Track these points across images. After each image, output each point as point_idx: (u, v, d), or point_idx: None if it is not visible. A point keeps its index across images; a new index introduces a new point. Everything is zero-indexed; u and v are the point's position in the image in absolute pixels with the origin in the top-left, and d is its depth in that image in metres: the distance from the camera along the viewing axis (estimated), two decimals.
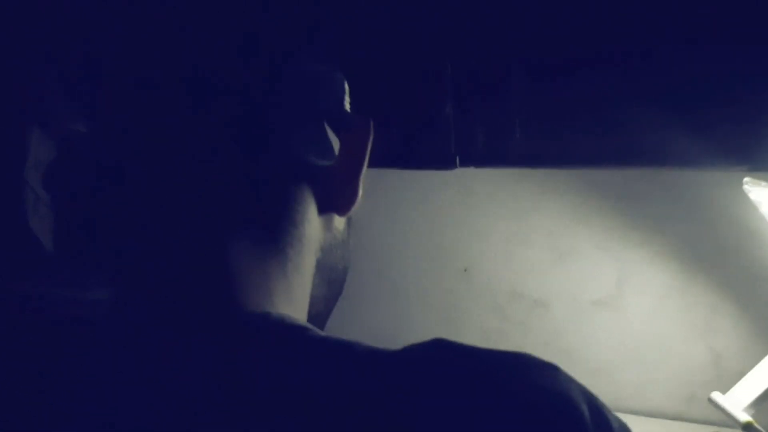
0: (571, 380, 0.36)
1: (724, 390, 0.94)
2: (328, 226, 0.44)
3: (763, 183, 0.71)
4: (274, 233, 0.41)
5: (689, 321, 0.96)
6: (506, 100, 0.74)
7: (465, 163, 0.80)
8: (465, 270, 1.08)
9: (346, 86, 0.47)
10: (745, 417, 0.73)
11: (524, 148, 0.76)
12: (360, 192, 0.45)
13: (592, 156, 0.75)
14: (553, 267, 1.02)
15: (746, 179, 0.73)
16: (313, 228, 0.43)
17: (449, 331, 1.08)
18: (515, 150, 0.76)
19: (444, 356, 0.37)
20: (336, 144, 0.44)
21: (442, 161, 0.80)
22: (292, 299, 0.42)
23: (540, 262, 1.03)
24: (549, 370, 0.36)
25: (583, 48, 0.66)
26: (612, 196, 0.96)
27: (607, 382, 1.03)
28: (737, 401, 0.74)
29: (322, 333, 0.38)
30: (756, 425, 0.72)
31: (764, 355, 0.91)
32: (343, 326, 1.18)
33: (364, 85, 0.71)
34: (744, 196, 0.74)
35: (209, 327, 0.36)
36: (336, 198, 0.44)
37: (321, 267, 0.44)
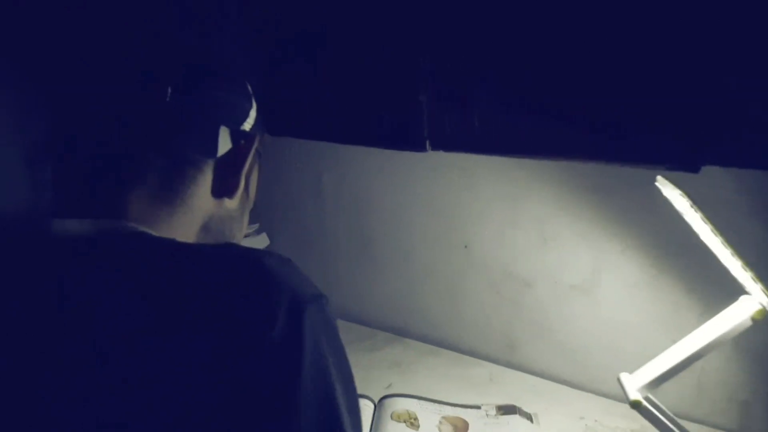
0: (303, 283, 0.50)
1: (685, 385, 0.97)
2: (219, 204, 0.62)
3: (670, 185, 0.75)
4: (167, 197, 0.59)
5: (654, 312, 0.99)
6: (469, 95, 0.85)
7: (435, 147, 0.92)
8: (465, 247, 1.18)
9: (252, 111, 0.63)
10: (635, 396, 0.77)
11: (482, 138, 0.86)
12: (241, 185, 0.62)
13: (551, 148, 0.84)
14: (539, 250, 1.09)
15: (658, 178, 0.77)
16: (203, 202, 0.61)
17: (452, 302, 1.21)
18: (474, 138, 0.87)
19: (229, 251, 0.52)
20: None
21: (416, 144, 0.92)
22: (172, 237, 0.59)
23: (528, 244, 1.10)
24: (290, 268, 0.50)
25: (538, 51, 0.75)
26: (592, 188, 1.01)
27: (582, 364, 1.09)
28: (635, 382, 0.79)
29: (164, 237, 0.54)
30: (644, 404, 0.77)
31: (722, 351, 0.93)
32: (359, 289, 1.36)
33: (352, 76, 0.88)
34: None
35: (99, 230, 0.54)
36: (221, 186, 0.61)
37: (206, 227, 0.62)
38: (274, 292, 0.48)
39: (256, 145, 0.63)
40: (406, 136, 0.92)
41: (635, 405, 0.77)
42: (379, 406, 1.03)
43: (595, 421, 1.00)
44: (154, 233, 0.56)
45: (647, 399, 0.78)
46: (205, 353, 0.46)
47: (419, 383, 1.10)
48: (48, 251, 0.51)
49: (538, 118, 0.81)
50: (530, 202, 1.08)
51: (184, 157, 0.59)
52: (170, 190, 0.58)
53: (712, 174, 0.72)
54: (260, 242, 1.39)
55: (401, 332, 1.27)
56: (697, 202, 0.76)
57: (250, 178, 0.66)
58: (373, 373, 1.15)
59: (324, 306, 0.51)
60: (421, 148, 0.93)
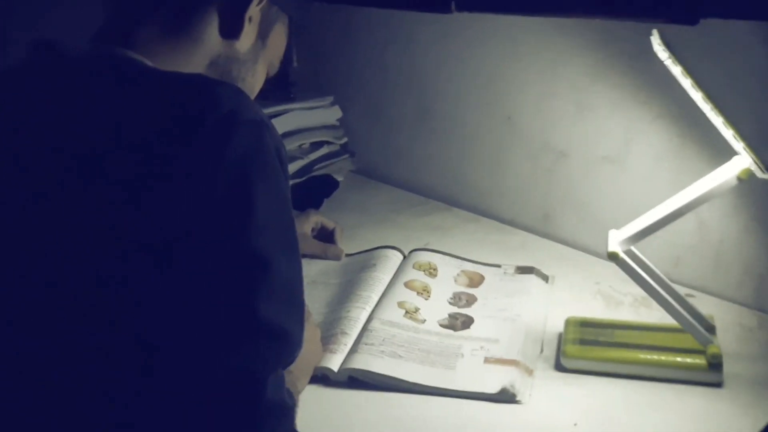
0: (252, 111, 0.59)
1: (703, 258, 0.98)
2: (228, 45, 0.71)
3: (660, 46, 0.74)
4: (177, 31, 0.68)
5: (678, 183, 0.98)
6: None
7: (460, 8, 0.95)
8: (509, 118, 1.21)
9: None
10: (613, 248, 0.80)
11: None
12: (245, 27, 0.70)
13: (556, 5, 0.85)
14: (575, 120, 1.10)
15: (653, 32, 0.76)
16: (211, 39, 0.69)
17: (494, 172, 1.26)
18: None
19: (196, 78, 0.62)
20: None
21: (443, 5, 0.96)
22: (176, 68, 0.70)
23: (564, 114, 1.11)
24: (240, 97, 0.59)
25: None
26: (623, 53, 1.00)
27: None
28: (619, 236, 0.82)
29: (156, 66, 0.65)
30: (621, 256, 0.80)
31: (739, 224, 0.92)
32: (416, 159, 1.45)
33: None
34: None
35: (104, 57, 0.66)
36: (225, 25, 0.70)
37: (214, 64, 0.71)
38: (209, 105, 0.57)
39: None
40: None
41: (612, 257, 0.80)
42: (407, 257, 1.12)
43: (609, 286, 1.04)
44: (150, 63, 0.66)
45: (629, 253, 0.81)
46: (138, 146, 0.56)
47: (455, 245, 1.18)
48: (49, 71, 0.63)
49: None
50: (568, 70, 1.08)
51: None
52: (179, 25, 0.67)
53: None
54: (333, 114, 1.49)
55: (449, 201, 1.34)
56: (699, 62, 0.75)
57: (268, 29, 0.74)
58: (416, 234, 1.24)
59: (262, 131, 0.58)
60: (446, 9, 0.96)
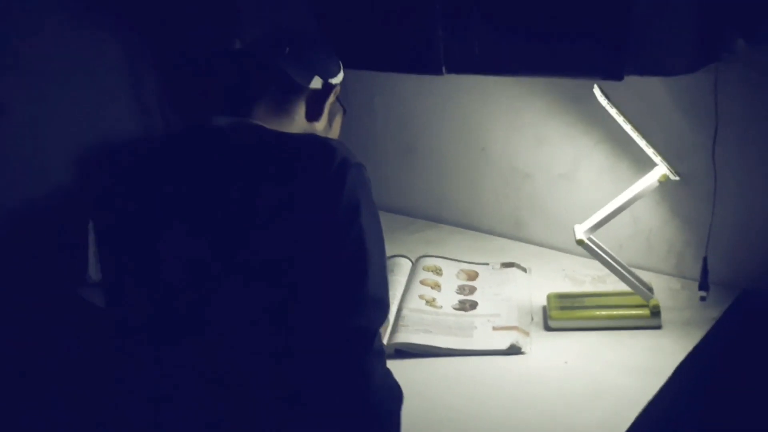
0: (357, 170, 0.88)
1: (639, 242, 1.32)
2: (310, 124, 1.00)
3: (601, 95, 1.08)
4: (278, 112, 0.97)
5: (616, 190, 1.33)
6: (470, 30, 1.19)
7: (449, 71, 1.27)
8: (482, 149, 1.54)
9: (340, 73, 1.03)
10: (580, 236, 1.14)
11: (481, 62, 1.21)
12: (324, 114, 1.01)
13: (521, 68, 1.19)
14: (535, 148, 1.44)
15: (595, 86, 1.10)
16: (300, 119, 0.99)
17: (473, 193, 1.58)
18: (475, 62, 1.22)
19: (310, 136, 0.92)
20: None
21: (435, 69, 1.28)
22: None
23: (527, 144, 1.45)
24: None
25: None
26: (572, 98, 1.34)
27: (568, 233, 1.44)
28: (582, 228, 1.15)
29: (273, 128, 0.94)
30: (587, 242, 1.13)
31: (662, 216, 1.27)
32: (402, 187, 1.74)
33: (384, 20, 1.24)
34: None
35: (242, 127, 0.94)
36: (310, 111, 0.99)
37: None
38: (330, 155, 0.86)
39: (335, 91, 1.01)
40: (427, 64, 1.28)
41: (580, 243, 1.13)
42: (415, 263, 1.43)
43: (573, 271, 1.37)
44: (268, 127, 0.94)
45: (591, 240, 1.14)
46: (283, 185, 0.85)
47: (447, 252, 1.49)
48: (205, 135, 0.91)
49: (513, 46, 1.15)
50: (528, 111, 1.42)
51: (290, 87, 0.96)
52: (280, 108, 0.96)
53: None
54: None
55: (435, 219, 1.65)
56: (631, 104, 1.10)
57: (333, 116, 1.04)
58: (413, 246, 1.54)
59: (363, 171, 0.88)
60: (439, 72, 1.28)
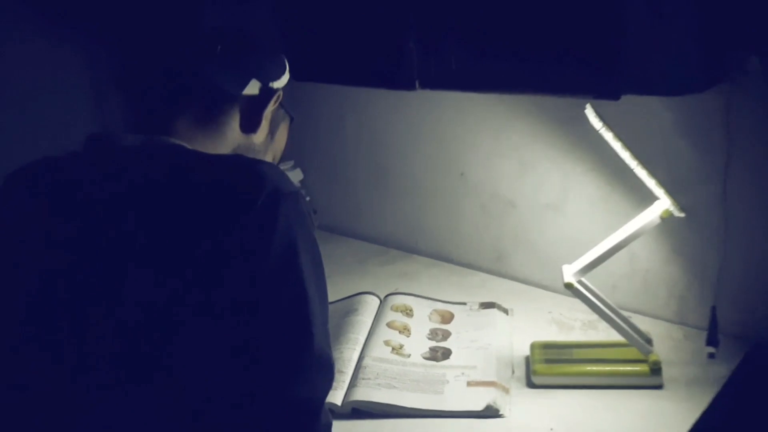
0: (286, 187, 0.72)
1: (635, 283, 1.17)
2: (246, 138, 0.84)
3: (594, 117, 0.93)
4: (206, 124, 0.81)
5: (609, 223, 1.17)
6: (445, 43, 1.05)
7: (423, 86, 1.13)
8: (461, 174, 1.38)
9: (284, 77, 0.86)
10: (568, 279, 0.98)
11: (458, 77, 1.07)
12: (263, 125, 0.85)
13: (505, 84, 1.04)
14: (520, 175, 1.29)
15: (587, 106, 0.95)
16: (233, 132, 0.83)
17: (451, 222, 1.42)
18: (452, 78, 1.07)
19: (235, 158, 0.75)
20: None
21: (408, 84, 1.13)
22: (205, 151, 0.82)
23: (510, 170, 1.30)
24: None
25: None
26: (559, 119, 1.20)
27: (554, 270, 1.29)
28: (571, 270, 0.99)
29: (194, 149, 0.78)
30: (576, 286, 0.97)
31: (662, 255, 1.12)
32: (375, 213, 1.59)
33: (353, 31, 1.09)
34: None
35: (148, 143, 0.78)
36: (246, 122, 0.84)
37: (234, 152, 0.84)
38: (257, 185, 0.70)
39: (276, 98, 0.85)
40: (399, 78, 1.13)
41: (568, 286, 0.98)
42: (383, 301, 1.26)
43: (560, 314, 1.21)
44: (189, 147, 0.79)
45: (581, 283, 0.99)
46: (198, 224, 0.69)
47: (422, 289, 1.33)
48: (113, 155, 0.75)
49: (495, 62, 1.01)
50: (510, 133, 1.27)
51: (220, 94, 0.81)
52: (208, 119, 0.81)
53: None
54: (295, 176, 1.62)
55: (410, 249, 1.50)
56: (628, 128, 0.95)
57: (276, 126, 0.89)
58: (384, 280, 1.38)
59: (298, 201, 0.72)
60: (411, 86, 1.14)
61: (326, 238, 1.60)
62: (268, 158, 0.91)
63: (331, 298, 1.29)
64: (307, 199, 1.62)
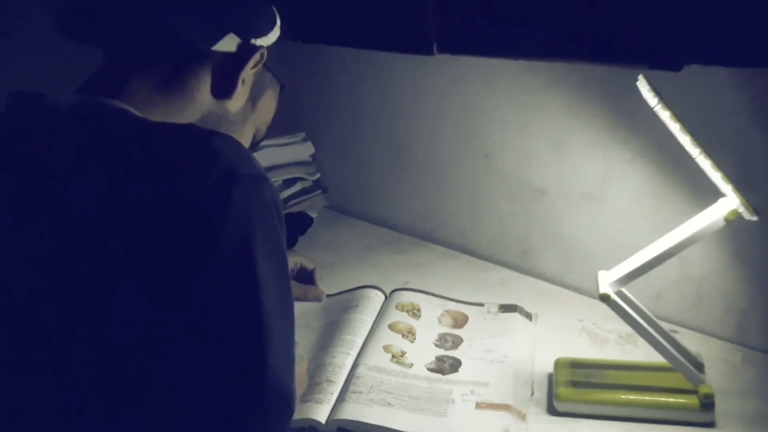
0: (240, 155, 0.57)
1: (685, 293, 0.99)
2: (219, 104, 0.70)
3: (646, 85, 0.75)
4: (170, 85, 0.67)
5: (658, 221, 0.99)
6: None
7: (441, 50, 0.95)
8: (486, 155, 1.21)
9: (272, 34, 0.70)
10: (604, 290, 0.80)
11: (483, 41, 0.90)
12: (238, 88, 0.69)
13: (541, 50, 0.86)
14: (553, 158, 1.11)
15: (640, 78, 0.77)
16: (203, 97, 0.68)
17: (472, 209, 1.25)
18: (476, 41, 0.90)
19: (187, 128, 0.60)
20: None
21: (425, 47, 0.96)
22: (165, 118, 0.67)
23: (543, 153, 1.12)
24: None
25: None
26: (601, 95, 1.01)
27: (589, 270, 1.11)
28: (609, 278, 0.82)
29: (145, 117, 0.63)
30: (613, 297, 0.80)
31: (721, 260, 0.94)
32: (390, 195, 1.43)
33: None
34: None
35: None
36: (218, 85, 0.68)
37: (202, 120, 0.69)
38: (206, 161, 0.55)
39: (258, 57, 0.69)
40: (415, 40, 0.96)
41: (604, 298, 0.80)
42: (389, 297, 1.11)
43: (593, 323, 1.04)
44: (141, 114, 0.64)
45: (620, 294, 0.81)
46: (130, 212, 0.54)
47: (434, 283, 1.17)
48: (35, 119, 0.60)
49: (530, 22, 0.84)
50: (544, 111, 1.09)
51: (187, 50, 0.66)
52: (171, 79, 0.66)
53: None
54: (306, 150, 1.47)
55: (426, 237, 1.33)
56: (687, 108, 0.76)
57: (260, 93, 0.74)
58: (394, 272, 1.22)
59: (262, 186, 0.56)
60: (428, 51, 0.96)
61: (335, 219, 1.45)
62: (248, 131, 0.76)
63: (330, 289, 1.17)
64: (317, 176, 1.47)
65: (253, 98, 0.73)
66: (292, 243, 1.34)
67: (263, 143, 1.38)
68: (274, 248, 0.56)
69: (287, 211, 1.40)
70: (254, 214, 0.55)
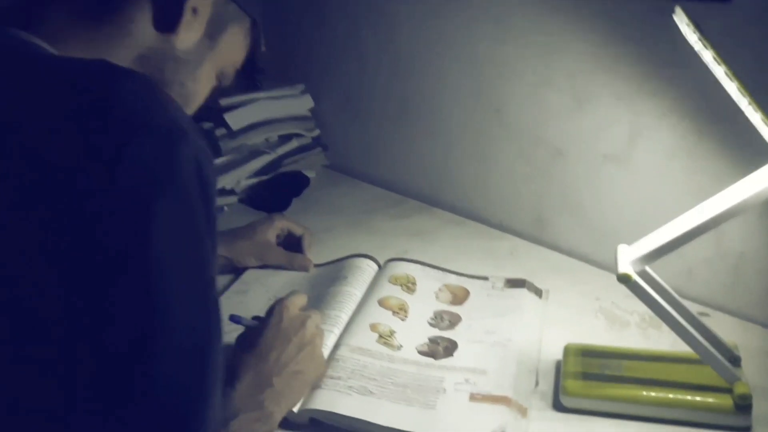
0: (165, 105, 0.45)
1: (720, 272, 0.86)
2: (165, 39, 0.58)
3: (685, 19, 0.60)
4: (99, 16, 0.55)
5: (693, 185, 0.85)
6: None
7: None
8: (497, 111, 1.07)
9: None
10: (624, 269, 0.67)
11: None
12: (185, 18, 0.58)
13: None
14: (573, 113, 0.97)
15: (676, 10, 0.62)
16: (141, 30, 0.57)
17: (481, 171, 1.13)
18: None
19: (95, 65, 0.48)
20: None
21: None
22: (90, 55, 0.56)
23: (561, 107, 0.98)
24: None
25: None
26: (630, 38, 0.87)
27: (611, 242, 0.98)
28: (631, 254, 0.69)
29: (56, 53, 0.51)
30: (635, 278, 0.67)
31: (764, 234, 0.80)
32: (394, 155, 1.31)
33: None
34: None
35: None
36: (159, 13, 0.57)
37: (142, 60, 0.58)
38: (101, 109, 0.43)
39: None
40: None
41: (623, 279, 0.67)
42: (383, 268, 0.99)
43: (612, 302, 0.91)
44: (55, 51, 0.52)
45: (643, 274, 0.68)
46: (21, 166, 0.42)
47: (437, 252, 1.05)
48: None
49: None
50: (565, 57, 0.95)
51: None
52: (101, 9, 0.55)
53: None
54: (304, 104, 1.36)
55: (430, 201, 1.21)
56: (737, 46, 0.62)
57: (220, 28, 0.61)
58: (393, 239, 1.11)
59: (177, 143, 0.44)
60: None
61: (335, 179, 1.34)
62: (206, 73, 0.64)
63: (321, 258, 1.06)
64: (316, 132, 1.35)
65: (211, 33, 0.61)
66: (286, 205, 1.23)
67: (257, 95, 1.30)
68: (186, 226, 0.44)
69: (283, 169, 1.29)
70: (158, 179, 0.42)
